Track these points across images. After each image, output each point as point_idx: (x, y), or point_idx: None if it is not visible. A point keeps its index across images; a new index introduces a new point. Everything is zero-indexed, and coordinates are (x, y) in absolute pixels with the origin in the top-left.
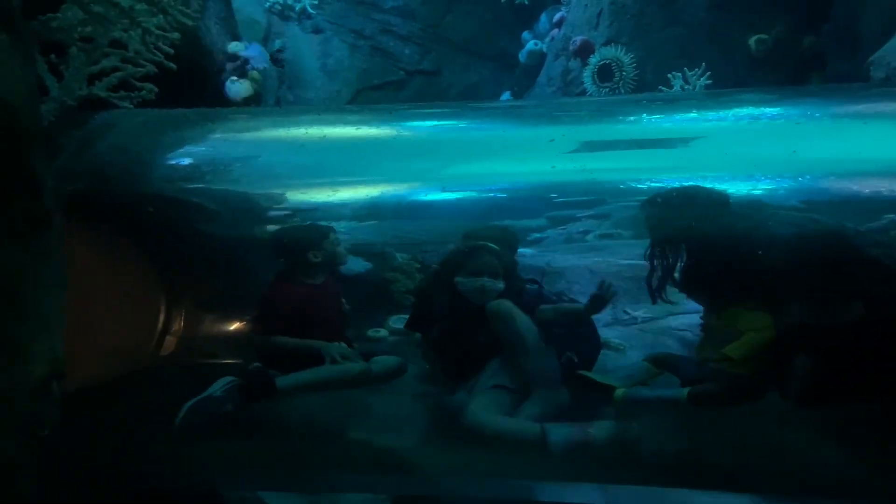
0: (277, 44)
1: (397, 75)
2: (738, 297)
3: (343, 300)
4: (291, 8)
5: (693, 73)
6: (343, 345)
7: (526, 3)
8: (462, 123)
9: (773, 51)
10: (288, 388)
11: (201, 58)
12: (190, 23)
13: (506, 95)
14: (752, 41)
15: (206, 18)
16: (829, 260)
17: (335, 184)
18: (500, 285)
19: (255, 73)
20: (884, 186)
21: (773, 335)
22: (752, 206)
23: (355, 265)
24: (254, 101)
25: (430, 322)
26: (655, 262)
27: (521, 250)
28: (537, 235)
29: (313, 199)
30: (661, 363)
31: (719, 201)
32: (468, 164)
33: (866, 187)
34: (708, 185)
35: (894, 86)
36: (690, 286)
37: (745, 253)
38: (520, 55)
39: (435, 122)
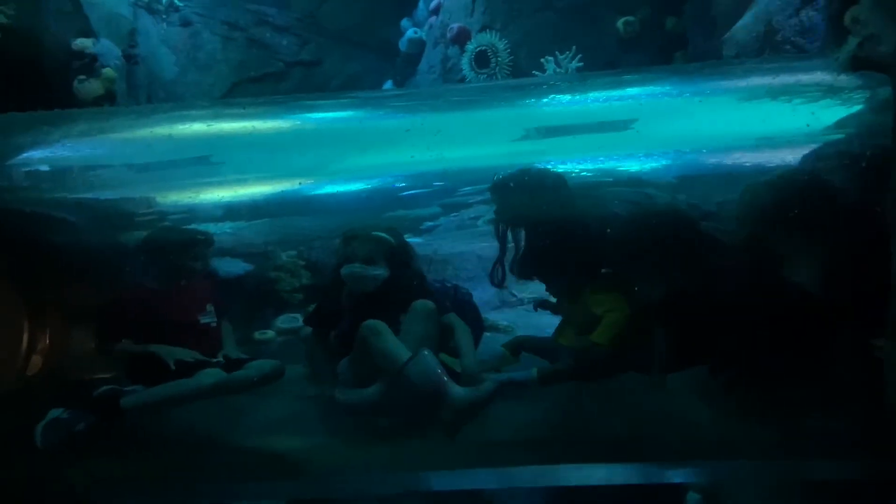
0: (143, 38)
1: (276, 67)
2: (585, 279)
3: (208, 305)
4: (158, 1)
5: (564, 56)
6: (186, 350)
7: None
8: (340, 114)
9: (641, 32)
10: (135, 406)
11: (38, 56)
12: (3, 21)
13: (388, 85)
14: (619, 23)
15: (44, 14)
16: (663, 234)
17: (208, 184)
18: (380, 272)
19: (108, 71)
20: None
21: (628, 313)
22: (588, 186)
23: (233, 267)
24: (107, 101)
25: (327, 316)
26: (506, 243)
27: (411, 239)
28: (430, 224)
29: (186, 201)
30: (522, 347)
31: (555, 182)
32: (352, 157)
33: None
34: (543, 167)
35: (742, 62)
36: (535, 271)
37: (585, 234)
38: (400, 43)
39: (315, 115)
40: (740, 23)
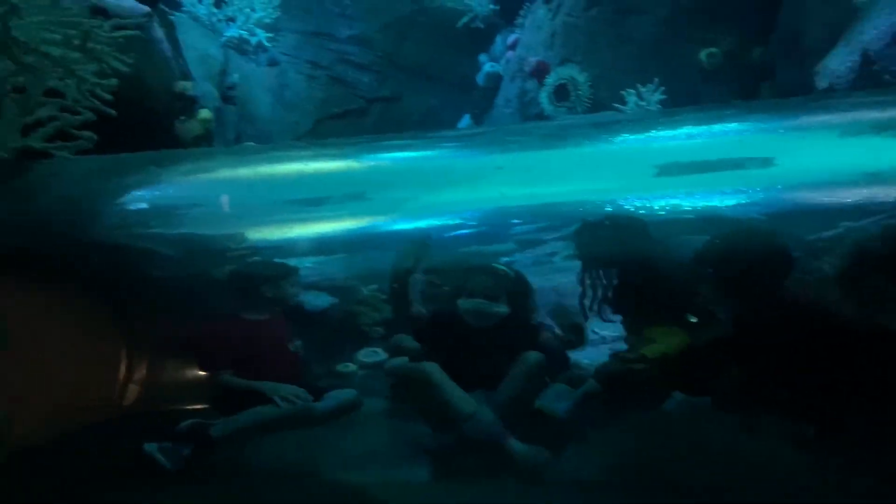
0: (235, 77)
1: (357, 103)
2: (653, 318)
3: (293, 339)
4: (247, 42)
5: (647, 88)
6: (292, 387)
7: (481, 26)
8: (419, 154)
9: (724, 63)
10: (225, 435)
11: (146, 100)
12: (124, 69)
13: (465, 119)
14: (703, 55)
15: (152, 59)
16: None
17: (293, 220)
18: (501, 308)
19: (205, 112)
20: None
21: (685, 345)
22: (675, 224)
23: (318, 301)
24: (205, 141)
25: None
26: (587, 285)
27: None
28: (506, 259)
29: (272, 237)
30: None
31: (636, 228)
32: (431, 194)
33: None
34: (627, 212)
35: (835, 95)
36: (618, 308)
37: (655, 276)
38: (477, 78)
39: (392, 154)
40: (833, 52)
